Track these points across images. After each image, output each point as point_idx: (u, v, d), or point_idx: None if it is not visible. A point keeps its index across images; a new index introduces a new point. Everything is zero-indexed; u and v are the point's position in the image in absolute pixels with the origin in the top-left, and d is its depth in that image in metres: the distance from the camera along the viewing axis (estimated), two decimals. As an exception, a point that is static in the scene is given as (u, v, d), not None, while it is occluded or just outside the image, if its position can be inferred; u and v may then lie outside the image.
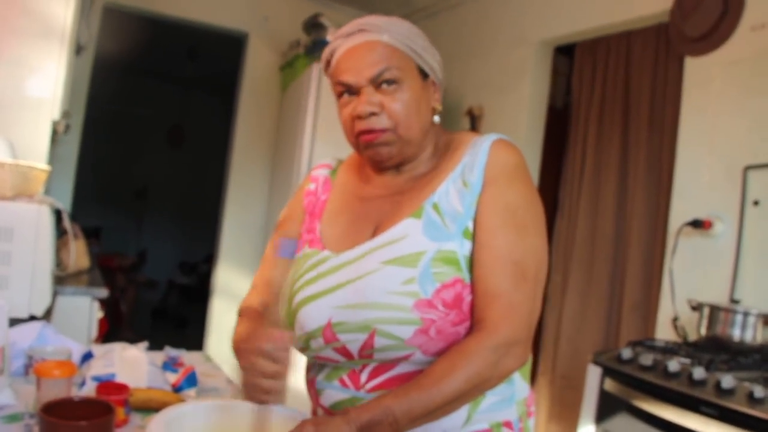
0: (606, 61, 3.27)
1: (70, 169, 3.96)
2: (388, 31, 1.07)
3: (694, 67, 2.66)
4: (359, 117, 1.05)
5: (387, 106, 1.05)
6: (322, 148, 3.52)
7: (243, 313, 1.14)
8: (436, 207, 1.05)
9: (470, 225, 1.03)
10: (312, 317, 1.03)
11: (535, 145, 3.49)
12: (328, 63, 1.12)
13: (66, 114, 2.90)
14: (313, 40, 3.68)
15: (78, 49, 3.28)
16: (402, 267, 1.00)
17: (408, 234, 1.03)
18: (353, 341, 1.00)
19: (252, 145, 4.41)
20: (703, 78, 2.60)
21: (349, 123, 1.08)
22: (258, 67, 4.38)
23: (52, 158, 2.71)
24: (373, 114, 1.05)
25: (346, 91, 1.08)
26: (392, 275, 1.00)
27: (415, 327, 0.97)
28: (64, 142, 3.71)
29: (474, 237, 1.03)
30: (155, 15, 4.18)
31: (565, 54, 3.67)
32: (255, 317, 1.09)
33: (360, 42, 1.07)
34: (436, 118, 1.14)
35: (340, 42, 1.09)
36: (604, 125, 3.24)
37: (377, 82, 1.05)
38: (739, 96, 2.45)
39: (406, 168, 1.13)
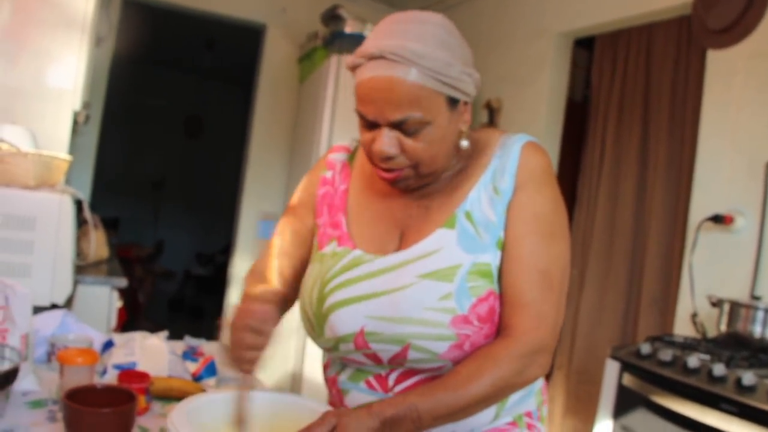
0: (626, 53, 3.24)
1: (90, 159, 4.00)
2: (418, 64, 0.93)
3: (716, 60, 2.62)
4: (377, 156, 1.00)
5: (407, 147, 0.98)
6: (341, 140, 3.50)
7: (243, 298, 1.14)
8: (468, 216, 1.03)
9: (503, 235, 1.02)
10: (344, 323, 1.02)
11: (554, 138, 3.46)
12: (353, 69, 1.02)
13: (86, 105, 2.93)
14: (331, 32, 3.67)
15: (98, 41, 3.30)
16: (438, 281, 0.98)
17: (443, 246, 1.01)
18: (385, 351, 1.00)
19: (270, 136, 4.42)
20: (725, 71, 2.57)
21: (365, 146, 1.02)
22: (276, 59, 4.38)
23: (72, 149, 2.73)
24: (390, 158, 0.99)
25: (366, 119, 0.99)
26: (429, 290, 0.98)
27: (451, 342, 0.97)
28: (83, 133, 3.74)
29: (503, 244, 1.02)
30: (174, 6, 4.19)
31: (585, 47, 3.64)
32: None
33: (383, 75, 0.94)
34: (464, 143, 1.05)
35: (364, 62, 0.97)
36: (624, 118, 3.21)
37: (398, 126, 0.97)
38: (762, 90, 2.42)
39: None
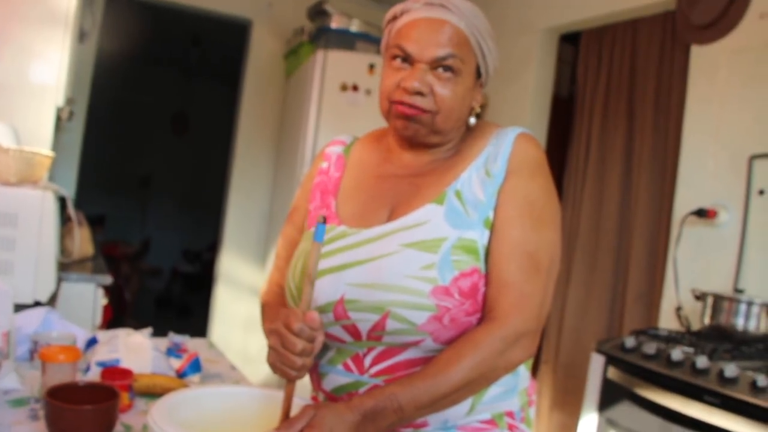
0: (612, 49, 3.25)
1: (74, 156, 3.96)
2: (469, 20, 1.05)
3: (700, 55, 2.64)
4: (405, 90, 1.03)
5: (436, 90, 1.03)
6: (326, 136, 3.51)
7: (267, 307, 1.17)
8: (458, 194, 1.04)
9: (491, 215, 1.03)
10: (324, 291, 1.02)
11: (540, 134, 3.48)
12: (394, 18, 1.09)
13: (70, 101, 2.90)
14: (317, 28, 3.65)
15: (81, 36, 3.27)
16: (422, 252, 0.99)
17: (430, 219, 1.02)
18: (364, 321, 0.99)
19: (256, 132, 4.40)
20: (709, 66, 2.59)
21: (390, 88, 1.06)
22: (262, 55, 4.36)
23: (56, 145, 2.71)
24: (419, 93, 1.03)
25: (401, 57, 1.05)
26: (412, 259, 0.98)
27: (430, 313, 0.96)
28: (68, 130, 3.71)
29: (492, 226, 1.02)
30: (159, 2, 4.16)
31: (571, 42, 3.65)
32: (280, 308, 1.11)
33: (436, 17, 1.04)
34: (472, 120, 1.12)
35: (418, 6, 1.06)
36: (609, 114, 3.23)
37: (436, 65, 1.03)
38: (745, 85, 2.44)
39: (429, 151, 1.12)
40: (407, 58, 1.05)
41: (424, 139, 1.09)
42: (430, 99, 1.03)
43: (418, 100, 1.03)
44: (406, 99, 1.03)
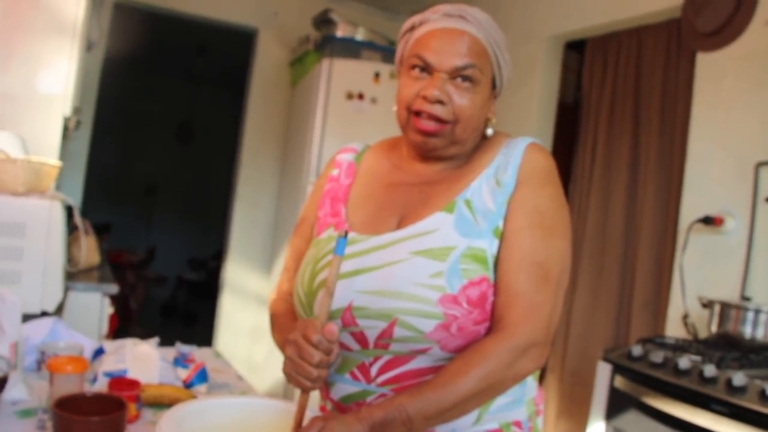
0: (617, 56, 3.25)
1: (81, 165, 3.98)
2: (487, 32, 1.06)
3: (705, 62, 2.64)
4: (425, 98, 1.04)
5: (455, 100, 1.04)
6: (332, 144, 3.52)
7: (276, 317, 1.17)
8: (468, 203, 1.04)
9: (501, 224, 1.03)
10: (333, 298, 1.02)
11: (545, 141, 3.48)
12: (412, 28, 1.10)
13: (77, 110, 2.92)
14: (323, 36, 3.67)
15: (89, 46, 3.29)
16: (431, 260, 0.99)
17: (439, 228, 1.02)
18: (372, 328, 0.99)
19: (261, 141, 4.41)
20: (715, 73, 2.58)
21: (409, 98, 1.06)
22: (267, 63, 4.38)
23: (63, 154, 2.72)
24: (440, 102, 1.03)
25: (421, 67, 1.06)
26: (420, 267, 0.99)
27: (437, 321, 0.96)
28: (74, 138, 3.73)
29: (501, 235, 1.02)
30: (165, 11, 4.19)
31: (576, 50, 3.65)
32: (291, 320, 1.12)
33: (456, 27, 1.05)
34: (489, 131, 1.12)
35: (436, 17, 1.07)
36: (615, 121, 3.23)
37: (455, 75, 1.04)
38: (751, 91, 2.43)
39: (441, 161, 1.12)
40: (426, 68, 1.05)
41: (443, 152, 1.09)
42: (448, 108, 1.04)
43: (438, 109, 1.03)
44: (426, 108, 1.04)
